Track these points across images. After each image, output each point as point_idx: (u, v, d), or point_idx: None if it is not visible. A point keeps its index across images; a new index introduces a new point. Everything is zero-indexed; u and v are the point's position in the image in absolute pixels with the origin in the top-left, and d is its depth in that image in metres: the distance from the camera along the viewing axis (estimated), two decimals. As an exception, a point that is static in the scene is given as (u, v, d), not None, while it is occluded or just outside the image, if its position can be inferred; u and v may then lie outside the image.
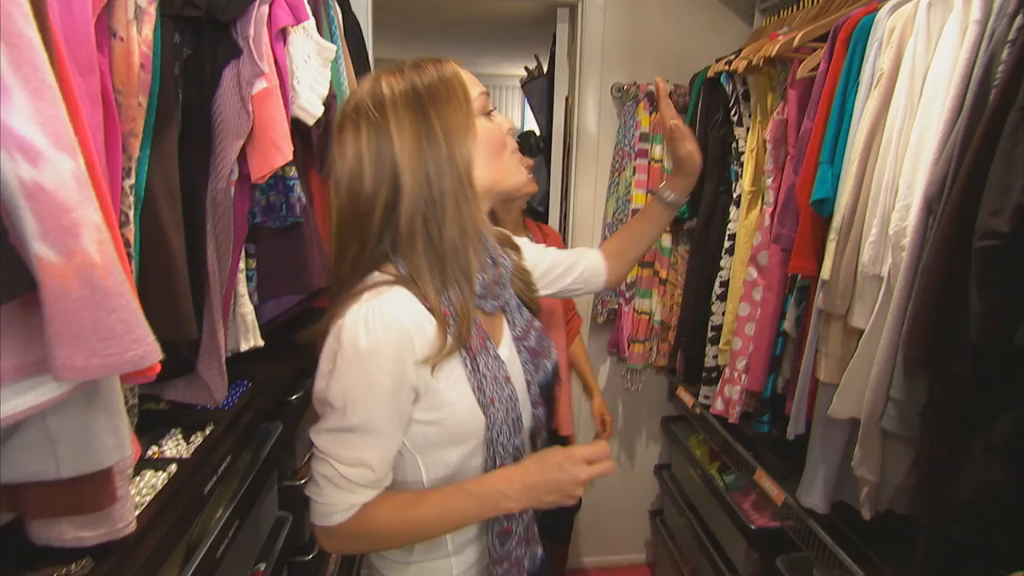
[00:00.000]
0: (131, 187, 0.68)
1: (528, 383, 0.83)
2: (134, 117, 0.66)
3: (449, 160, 0.70)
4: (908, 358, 0.89)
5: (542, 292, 1.00)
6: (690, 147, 1.04)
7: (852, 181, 1.02)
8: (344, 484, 0.70)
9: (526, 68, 2.46)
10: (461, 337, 0.71)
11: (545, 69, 2.39)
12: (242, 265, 1.05)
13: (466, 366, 0.74)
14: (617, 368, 2.16)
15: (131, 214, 0.68)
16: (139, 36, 0.64)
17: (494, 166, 0.76)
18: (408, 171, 0.69)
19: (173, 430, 0.93)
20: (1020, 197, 0.70)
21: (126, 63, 0.63)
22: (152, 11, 0.65)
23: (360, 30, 1.62)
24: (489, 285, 0.78)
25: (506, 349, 0.83)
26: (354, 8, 1.74)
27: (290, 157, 0.85)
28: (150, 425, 0.92)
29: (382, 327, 0.67)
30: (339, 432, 0.70)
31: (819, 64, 1.20)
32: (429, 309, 0.70)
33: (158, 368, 0.53)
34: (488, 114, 0.77)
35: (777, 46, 1.37)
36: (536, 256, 1.01)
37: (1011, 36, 0.76)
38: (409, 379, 0.69)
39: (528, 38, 3.39)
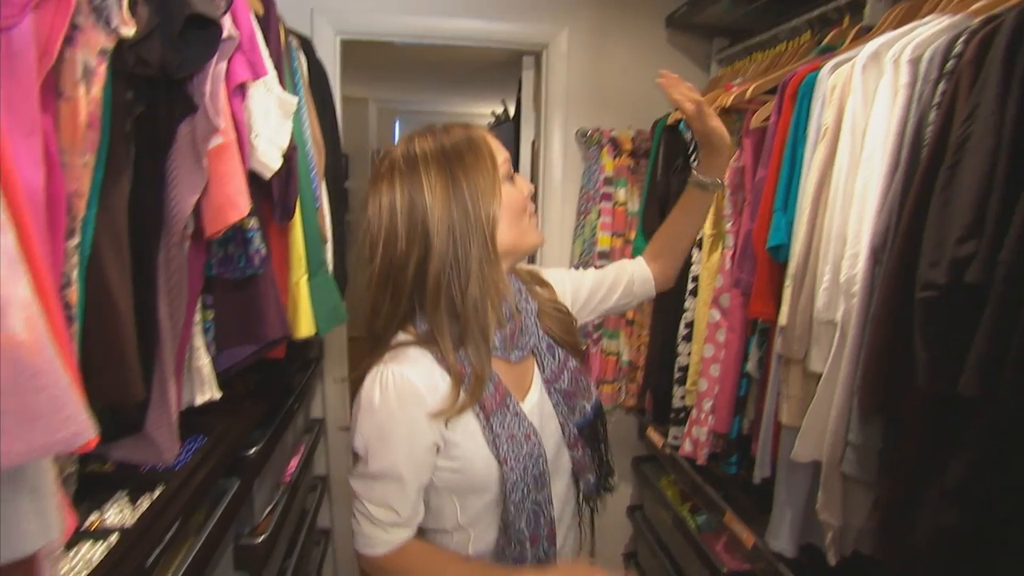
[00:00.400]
0: (75, 247, 0.66)
1: (563, 425, 0.86)
2: (79, 177, 0.64)
3: (475, 223, 0.74)
4: (862, 404, 0.91)
5: (589, 316, 1.04)
6: (714, 123, 0.99)
7: (804, 229, 1.06)
8: (377, 523, 0.78)
9: (493, 113, 2.51)
10: (474, 395, 0.76)
11: (512, 114, 2.44)
12: (198, 317, 1.02)
13: (480, 422, 0.78)
14: (587, 408, 2.15)
15: (74, 275, 0.66)
16: (87, 96, 0.63)
17: (515, 229, 0.80)
18: (437, 232, 0.73)
19: (118, 493, 0.88)
20: (954, 251, 0.74)
21: (72, 123, 0.62)
22: (102, 71, 0.64)
23: (326, 76, 1.64)
24: (509, 337, 0.82)
25: (535, 394, 0.86)
26: (322, 52, 1.76)
27: (245, 212, 0.84)
28: (93, 489, 0.87)
29: (394, 387, 0.74)
30: (365, 478, 0.78)
31: (771, 115, 1.25)
32: (446, 367, 0.76)
33: (94, 444, 0.50)
34: (511, 178, 0.81)
35: (731, 97, 1.43)
36: (574, 285, 1.02)
37: (936, 100, 0.81)
38: (425, 433, 0.76)
39: (499, 79, 3.49)
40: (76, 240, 0.65)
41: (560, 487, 0.88)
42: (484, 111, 4.62)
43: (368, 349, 0.82)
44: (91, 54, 0.63)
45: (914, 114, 0.86)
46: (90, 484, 0.88)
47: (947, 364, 0.76)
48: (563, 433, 0.86)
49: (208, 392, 1.05)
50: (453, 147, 0.76)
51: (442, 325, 0.76)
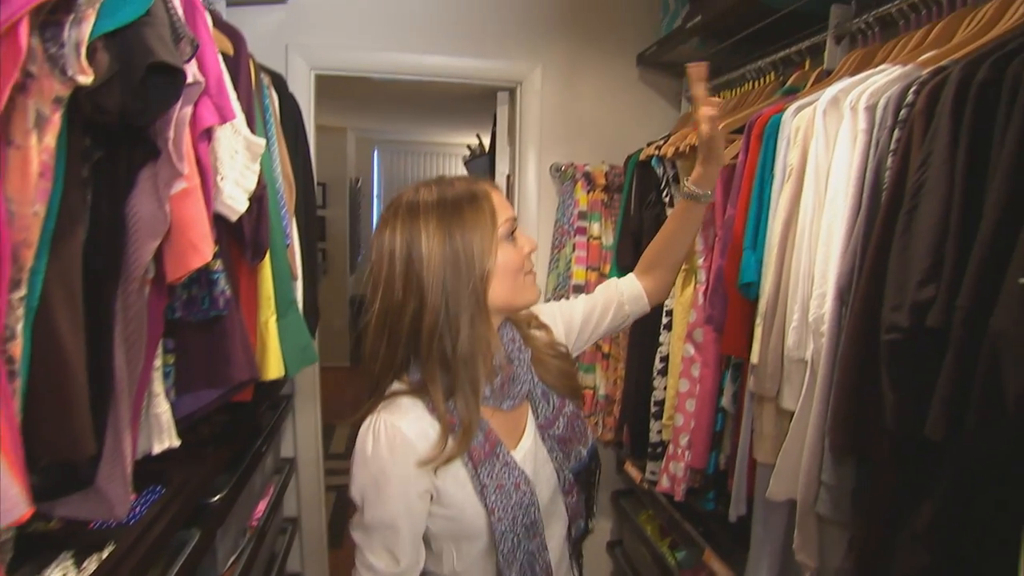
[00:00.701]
0: (21, 299, 0.63)
1: (558, 472, 0.86)
2: (28, 226, 0.62)
3: (468, 279, 0.75)
4: (833, 444, 0.91)
5: (584, 345, 1.05)
6: (719, 131, 1.00)
7: (773, 268, 1.07)
8: (377, 572, 0.78)
9: (468, 147, 2.53)
10: (462, 444, 0.77)
11: (487, 147, 2.47)
12: (158, 363, 0.98)
13: (469, 472, 0.79)
14: (565, 442, 2.12)
15: (19, 328, 0.63)
16: (39, 144, 0.61)
17: (509, 287, 0.80)
18: (431, 285, 0.75)
19: (63, 555, 0.83)
20: (915, 294, 0.75)
21: (22, 172, 0.60)
22: (56, 119, 0.62)
23: (299, 111, 1.64)
24: (500, 387, 0.82)
25: (528, 440, 0.86)
26: (296, 86, 1.77)
27: (209, 258, 0.82)
28: (34, 552, 0.82)
29: (385, 437, 0.76)
30: (363, 528, 0.79)
31: (738, 154, 1.28)
32: (436, 416, 0.77)
33: (27, 517, 0.47)
34: (512, 236, 0.81)
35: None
36: (566, 318, 1.02)
37: (892, 147, 0.84)
38: (417, 481, 0.77)
39: (476, 110, 3.53)
40: (22, 292, 0.63)
41: (556, 533, 0.88)
42: (461, 141, 4.67)
43: (367, 392, 0.83)
44: (44, 102, 0.61)
45: (872, 159, 0.88)
46: (31, 545, 0.82)
47: (915, 406, 0.76)
48: (558, 479, 0.86)
49: (167, 440, 1.01)
50: (454, 201, 0.77)
51: (434, 375, 0.77)
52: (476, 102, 3.15)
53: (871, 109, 0.91)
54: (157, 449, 1.00)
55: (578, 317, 1.03)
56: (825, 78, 1.30)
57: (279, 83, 1.52)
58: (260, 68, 1.37)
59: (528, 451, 0.84)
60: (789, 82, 1.45)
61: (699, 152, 1.03)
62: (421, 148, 5.59)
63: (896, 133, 0.83)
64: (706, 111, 0.97)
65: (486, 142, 2.49)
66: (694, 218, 1.08)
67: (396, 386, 0.81)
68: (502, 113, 2.16)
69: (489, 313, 0.79)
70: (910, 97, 0.83)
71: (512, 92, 2.07)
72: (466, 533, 0.81)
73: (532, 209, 2.03)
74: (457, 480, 0.78)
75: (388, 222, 0.78)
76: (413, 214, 0.76)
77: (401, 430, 0.76)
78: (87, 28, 0.60)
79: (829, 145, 0.98)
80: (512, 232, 0.81)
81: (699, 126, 0.98)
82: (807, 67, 1.44)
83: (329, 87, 1.99)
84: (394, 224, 0.77)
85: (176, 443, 1.01)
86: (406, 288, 0.75)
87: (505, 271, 0.79)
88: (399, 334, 0.77)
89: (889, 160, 0.84)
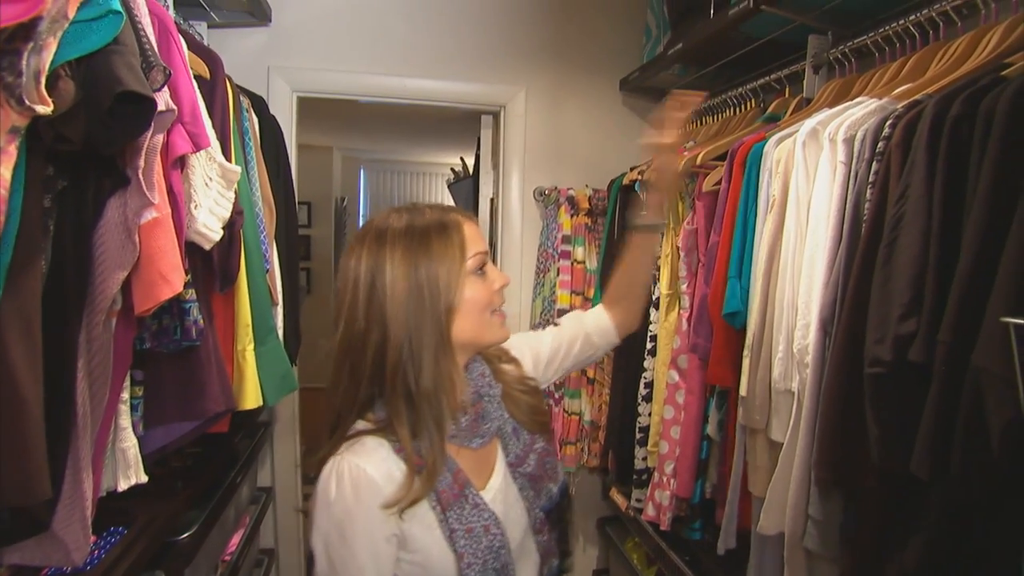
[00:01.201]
0: (-28, 338, 0.60)
1: (528, 511, 0.83)
2: (-18, 262, 0.59)
3: (431, 313, 0.73)
4: (819, 478, 0.90)
5: (553, 377, 1.02)
6: (669, 160, 1.03)
7: (759, 298, 1.06)
8: None
9: (452, 169, 2.53)
10: (427, 485, 0.73)
11: (471, 170, 2.47)
12: (125, 396, 0.95)
13: (437, 515, 0.75)
14: (551, 468, 2.09)
15: (-31, 367, 0.60)
16: (-4, 177, 0.59)
17: (475, 323, 0.77)
18: (394, 318, 0.72)
19: (14, 605, 0.78)
20: (897, 327, 0.74)
21: (-24, 206, 0.58)
22: (12, 150, 0.60)
23: (280, 134, 1.62)
24: (469, 425, 0.79)
25: (498, 479, 0.83)
26: (279, 108, 1.75)
27: (179, 289, 0.79)
28: (-17, 603, 0.77)
29: (349, 480, 0.71)
30: None
31: (721, 181, 1.28)
32: (403, 456, 0.73)
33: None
34: (482, 270, 0.78)
35: (683, 161, 1.47)
36: (534, 352, 0.99)
37: (871, 179, 0.84)
38: (382, 525, 0.72)
39: (461, 131, 3.54)
40: (-26, 330, 0.59)
41: (528, 574, 0.84)
42: (447, 161, 4.67)
43: (328, 430, 0.79)
44: (0, 133, 0.59)
45: (852, 191, 0.89)
46: (-20, 596, 0.78)
47: (900, 441, 0.75)
48: (529, 518, 0.83)
49: (133, 476, 0.96)
50: (422, 230, 0.74)
51: (399, 412, 0.74)
52: (463, 123, 3.16)
53: (849, 141, 0.91)
54: (123, 486, 0.95)
55: (546, 350, 1.00)
56: (805, 106, 1.32)
57: (259, 105, 1.50)
58: (240, 90, 1.36)
59: (498, 490, 0.81)
60: (770, 109, 1.46)
61: (654, 180, 1.06)
62: (407, 168, 5.59)
63: (874, 165, 0.84)
64: (663, 141, 0.99)
65: (470, 164, 2.49)
66: (651, 247, 1.10)
67: (360, 424, 0.77)
68: (486, 136, 2.16)
69: (454, 349, 0.76)
70: (887, 130, 0.83)
71: (496, 115, 2.08)
72: None
73: (516, 233, 2.02)
74: (424, 524, 0.74)
75: (355, 249, 0.76)
76: (380, 241, 0.74)
77: (366, 472, 0.72)
78: (48, 56, 0.58)
79: (809, 176, 0.98)
80: (482, 266, 0.79)
81: (671, 128, 1.00)
82: (787, 94, 1.46)
83: (314, 107, 1.98)
84: (360, 251, 0.75)
85: (143, 479, 0.97)
86: (368, 318, 0.73)
87: (472, 306, 0.76)
88: (362, 367, 0.74)
89: (868, 192, 0.84)
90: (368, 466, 0.72)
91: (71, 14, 0.59)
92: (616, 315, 1.07)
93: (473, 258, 0.76)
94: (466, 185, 2.36)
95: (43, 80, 0.59)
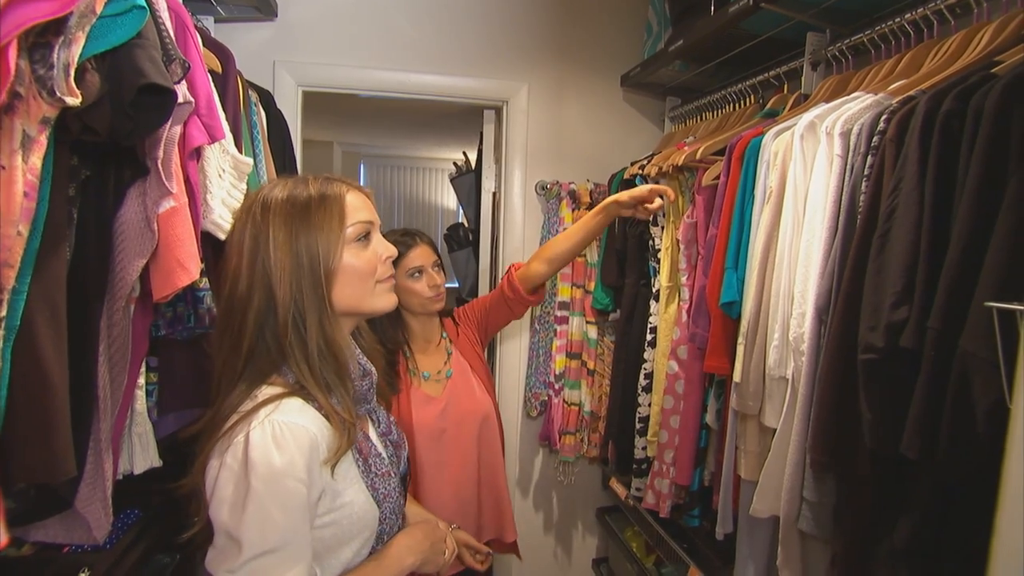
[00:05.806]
0: (0, 319, 0.62)
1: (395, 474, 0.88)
2: (11, 247, 0.61)
3: (311, 282, 0.75)
4: (814, 462, 0.93)
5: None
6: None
7: (754, 288, 1.09)
8: None
9: (455, 163, 2.55)
10: (351, 437, 0.76)
11: (473, 164, 2.49)
12: (141, 381, 0.97)
13: (359, 466, 0.79)
14: (549, 460, 2.13)
15: (-2, 349, 0.62)
16: (24, 165, 0.61)
17: (357, 290, 0.80)
18: (279, 285, 0.74)
19: (37, 581, 0.81)
20: (889, 315, 0.77)
21: (7, 193, 0.60)
22: (43, 139, 0.62)
23: (286, 127, 1.64)
24: (363, 393, 0.84)
25: (377, 443, 0.88)
26: (284, 102, 1.77)
27: (196, 276, 0.82)
28: (7, 578, 0.80)
29: (292, 440, 0.70)
30: (258, 559, 0.67)
31: (720, 175, 1.31)
32: (323, 413, 0.75)
33: (4, 545, 0.46)
34: (366, 238, 0.80)
35: (683, 156, 1.49)
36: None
37: (866, 172, 0.87)
38: (319, 483, 0.73)
39: (462, 126, 3.55)
40: (1, 313, 0.62)
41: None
42: (448, 156, 4.68)
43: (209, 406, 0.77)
44: (31, 123, 0.61)
45: (848, 183, 0.91)
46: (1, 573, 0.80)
47: (892, 424, 0.78)
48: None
49: (149, 460, 0.99)
50: (304, 201, 0.76)
51: (306, 375, 0.75)
52: (463, 118, 3.17)
53: (845, 135, 0.94)
54: (139, 469, 0.98)
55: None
56: (803, 102, 1.34)
57: (267, 99, 1.52)
58: (248, 85, 1.38)
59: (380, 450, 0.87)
60: (768, 105, 1.49)
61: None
62: (407, 163, 5.60)
63: (869, 159, 0.87)
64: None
65: (472, 158, 2.51)
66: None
67: (269, 389, 0.74)
68: (488, 131, 2.18)
69: (336, 314, 0.78)
70: (881, 125, 0.86)
71: (498, 110, 2.10)
72: (346, 535, 0.77)
73: (518, 226, 2.05)
74: (348, 477, 0.77)
75: (241, 218, 0.78)
76: (265, 210, 0.76)
77: (306, 428, 0.71)
78: (76, 50, 0.61)
79: (807, 168, 1.01)
80: (366, 235, 0.80)
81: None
82: (786, 90, 1.48)
83: (316, 101, 1.99)
84: (245, 220, 0.77)
85: (158, 463, 1.00)
86: (251, 283, 0.74)
87: (352, 273, 0.78)
88: (243, 332, 0.74)
89: (863, 185, 0.87)
90: (305, 421, 0.72)
91: (99, 9, 0.62)
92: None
93: (353, 227, 0.78)
94: (468, 179, 2.38)
95: (72, 73, 0.61)
